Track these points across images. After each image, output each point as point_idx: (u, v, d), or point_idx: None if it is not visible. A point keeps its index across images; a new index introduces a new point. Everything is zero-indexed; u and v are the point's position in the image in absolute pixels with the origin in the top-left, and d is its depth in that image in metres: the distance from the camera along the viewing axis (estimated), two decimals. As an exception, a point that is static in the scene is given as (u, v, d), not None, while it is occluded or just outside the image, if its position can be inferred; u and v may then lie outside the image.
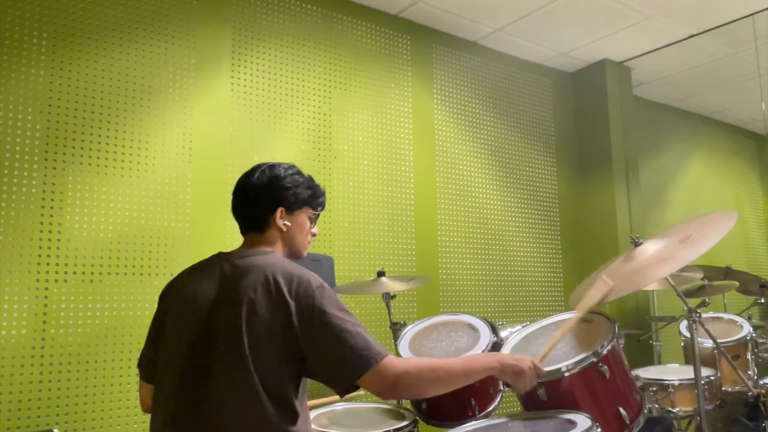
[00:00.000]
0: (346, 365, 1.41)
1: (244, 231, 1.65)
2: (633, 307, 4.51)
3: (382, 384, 1.43)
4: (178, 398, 1.45)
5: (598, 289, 1.88)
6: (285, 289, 1.45)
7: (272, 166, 1.64)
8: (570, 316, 2.14)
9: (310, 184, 1.69)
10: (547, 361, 1.89)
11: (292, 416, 1.44)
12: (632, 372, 2.05)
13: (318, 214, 1.72)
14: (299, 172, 1.68)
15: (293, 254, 1.67)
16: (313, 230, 1.71)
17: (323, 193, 1.73)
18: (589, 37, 4.29)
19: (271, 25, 3.42)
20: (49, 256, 2.65)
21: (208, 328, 1.47)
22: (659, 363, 4.29)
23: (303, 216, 1.66)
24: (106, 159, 2.85)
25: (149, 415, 1.56)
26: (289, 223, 1.63)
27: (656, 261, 1.94)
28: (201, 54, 3.17)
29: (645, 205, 4.90)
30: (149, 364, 1.60)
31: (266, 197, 1.61)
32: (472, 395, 2.03)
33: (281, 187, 1.61)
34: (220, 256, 1.60)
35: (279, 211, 1.61)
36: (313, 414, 2.14)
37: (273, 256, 1.56)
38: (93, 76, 2.86)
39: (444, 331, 2.30)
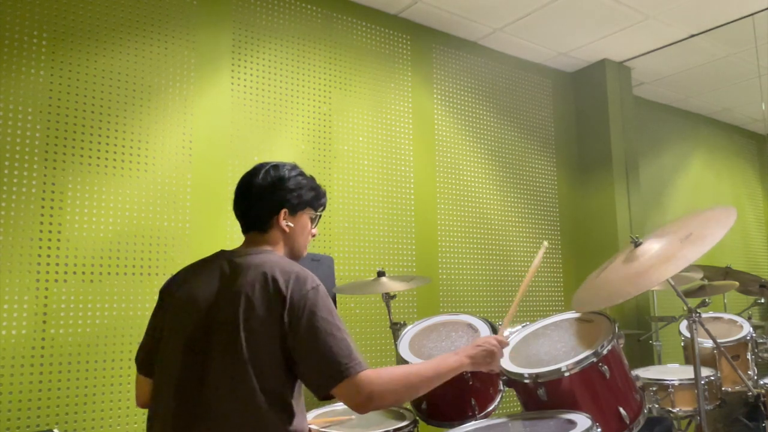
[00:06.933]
0: (325, 370, 1.40)
1: (245, 230, 1.66)
2: (633, 307, 4.50)
3: (356, 397, 1.41)
4: (176, 397, 1.45)
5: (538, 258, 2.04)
6: (282, 287, 1.45)
7: (276, 167, 1.65)
8: (569, 315, 2.15)
9: (313, 186, 1.70)
10: (547, 362, 1.89)
11: (289, 415, 1.44)
12: (632, 372, 2.04)
13: (319, 216, 1.73)
14: (302, 173, 1.69)
15: (293, 254, 1.67)
16: (313, 231, 1.73)
17: (325, 194, 1.75)
18: (589, 37, 4.29)
19: (271, 25, 3.42)
20: (49, 256, 2.65)
21: (206, 326, 1.47)
22: (659, 363, 4.28)
23: (305, 217, 1.68)
24: (106, 159, 2.85)
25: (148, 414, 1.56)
26: (292, 225, 1.64)
27: (658, 262, 1.94)
28: (201, 54, 3.17)
29: (645, 205, 4.90)
30: (146, 356, 1.62)
31: (270, 198, 1.61)
32: (472, 395, 2.03)
33: (286, 189, 1.62)
34: (220, 255, 1.60)
35: (283, 212, 1.62)
36: (313, 414, 2.14)
37: (273, 255, 1.56)
38: (93, 76, 2.86)
39: (444, 331, 2.30)
